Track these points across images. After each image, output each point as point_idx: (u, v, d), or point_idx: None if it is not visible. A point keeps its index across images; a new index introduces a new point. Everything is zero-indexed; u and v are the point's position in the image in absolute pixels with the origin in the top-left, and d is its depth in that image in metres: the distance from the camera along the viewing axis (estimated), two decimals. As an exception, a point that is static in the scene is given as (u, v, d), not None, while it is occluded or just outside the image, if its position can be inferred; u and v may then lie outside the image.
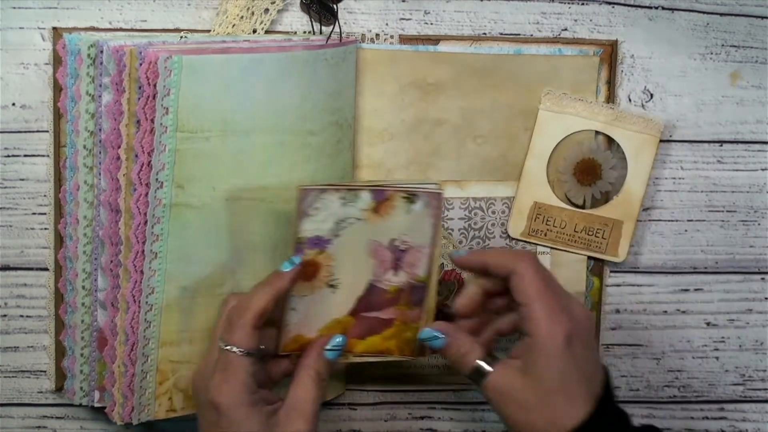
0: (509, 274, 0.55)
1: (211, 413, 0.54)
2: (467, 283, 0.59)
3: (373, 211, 0.57)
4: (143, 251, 0.57)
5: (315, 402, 0.55)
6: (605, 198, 0.66)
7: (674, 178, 0.68)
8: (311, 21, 0.64)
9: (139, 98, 0.56)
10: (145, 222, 0.57)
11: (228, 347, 0.54)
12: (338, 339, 0.57)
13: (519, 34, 0.66)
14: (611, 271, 0.68)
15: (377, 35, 0.65)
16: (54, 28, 0.62)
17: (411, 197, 0.57)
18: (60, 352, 0.64)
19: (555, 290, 0.54)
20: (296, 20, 0.64)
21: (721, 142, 0.68)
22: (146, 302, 0.58)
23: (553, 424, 0.52)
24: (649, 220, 0.68)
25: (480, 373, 0.54)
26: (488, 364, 0.54)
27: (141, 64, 0.55)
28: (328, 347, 0.57)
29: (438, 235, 0.58)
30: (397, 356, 0.60)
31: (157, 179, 0.56)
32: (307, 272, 0.57)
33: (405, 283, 0.59)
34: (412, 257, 0.58)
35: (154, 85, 0.55)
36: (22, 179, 0.64)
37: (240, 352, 0.54)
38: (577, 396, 0.52)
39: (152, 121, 0.55)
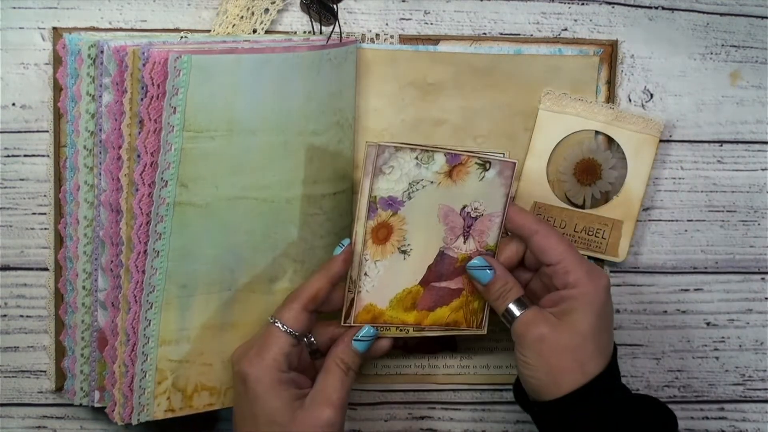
0: (531, 234, 0.56)
1: (239, 384, 0.56)
2: (510, 239, 0.59)
3: (447, 175, 0.56)
4: (145, 251, 0.57)
5: (342, 391, 0.56)
6: (605, 198, 0.66)
7: (674, 178, 0.68)
8: (311, 21, 0.64)
9: (142, 98, 0.56)
10: (148, 222, 0.57)
11: (272, 320, 0.56)
12: (368, 330, 0.58)
13: (519, 34, 0.66)
14: (611, 271, 0.68)
15: (377, 35, 0.65)
16: (54, 28, 0.62)
17: (485, 164, 0.56)
18: (60, 352, 0.64)
19: (576, 249, 0.57)
20: (296, 20, 0.64)
21: (721, 142, 0.68)
22: (147, 300, 0.58)
23: (580, 368, 0.54)
24: (649, 220, 0.68)
25: (510, 314, 0.56)
26: (521, 307, 0.57)
27: (144, 65, 0.55)
28: (357, 337, 0.58)
29: (507, 205, 0.58)
30: (464, 329, 0.60)
31: (162, 178, 0.56)
32: (380, 235, 0.57)
33: (474, 251, 0.59)
34: (483, 225, 0.58)
35: (158, 85, 0.55)
36: (22, 179, 0.64)
37: (283, 328, 0.56)
38: (603, 346, 0.56)
39: (156, 121, 0.55)
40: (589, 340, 0.55)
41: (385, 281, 0.58)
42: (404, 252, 0.57)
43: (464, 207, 0.57)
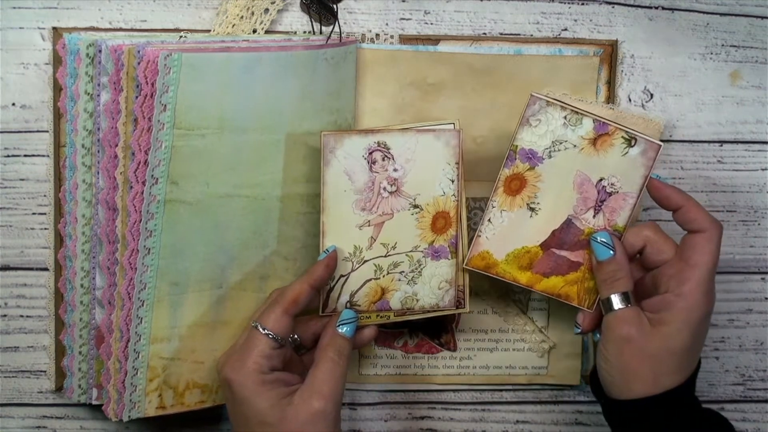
0: (698, 230, 0.56)
1: (225, 389, 0.57)
2: (633, 229, 0.58)
3: (591, 142, 0.55)
4: (138, 248, 0.58)
5: (332, 381, 0.56)
6: (605, 198, 0.66)
7: (674, 178, 0.68)
8: (311, 21, 0.64)
9: (136, 97, 0.56)
10: (141, 219, 0.57)
11: (254, 324, 0.56)
12: (348, 314, 0.58)
13: (519, 34, 0.66)
14: (611, 271, 0.68)
15: (377, 35, 0.65)
16: (54, 28, 0.62)
17: (631, 140, 0.56)
18: (60, 352, 0.64)
19: (715, 268, 0.56)
20: (296, 20, 0.64)
21: (721, 142, 0.68)
22: (138, 298, 0.58)
23: (654, 380, 0.55)
24: (649, 220, 0.68)
25: (610, 304, 0.56)
26: (624, 301, 0.56)
27: (139, 63, 0.55)
28: (339, 322, 0.58)
29: (642, 189, 0.57)
30: (575, 304, 0.59)
31: (152, 176, 0.57)
32: (512, 186, 0.56)
33: (601, 227, 0.58)
34: (616, 202, 0.57)
35: (152, 84, 0.55)
36: (22, 179, 0.64)
37: (264, 332, 0.56)
38: (686, 365, 0.56)
39: (149, 119, 0.56)
40: (674, 356, 0.55)
41: (507, 233, 0.57)
42: (532, 209, 0.57)
43: (601, 179, 0.56)
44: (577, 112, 0.55)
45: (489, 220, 0.57)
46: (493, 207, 0.56)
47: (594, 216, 0.58)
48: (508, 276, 0.59)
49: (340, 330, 0.58)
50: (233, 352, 0.57)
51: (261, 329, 0.56)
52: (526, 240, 0.58)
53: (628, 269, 0.57)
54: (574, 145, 0.55)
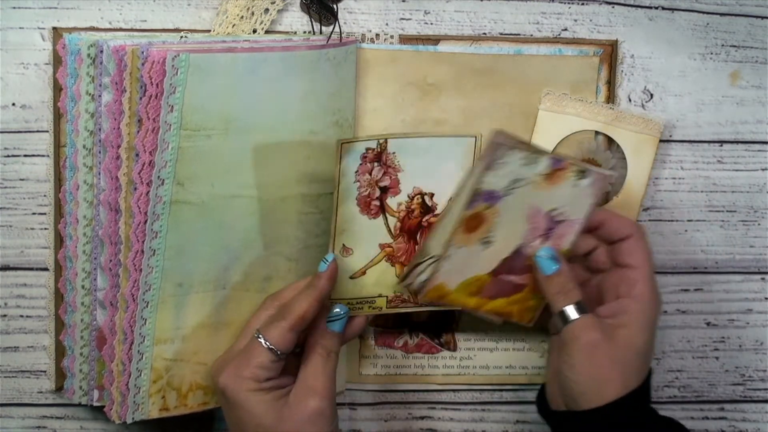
0: (624, 236, 0.58)
1: (219, 395, 0.56)
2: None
3: (546, 177, 0.57)
4: (142, 250, 0.58)
5: (324, 376, 0.56)
6: (605, 198, 0.66)
7: (674, 178, 0.68)
8: (311, 21, 0.64)
9: (141, 97, 0.56)
10: (146, 221, 0.57)
11: (257, 335, 0.55)
12: (337, 309, 0.58)
13: (519, 34, 0.66)
14: (611, 271, 0.68)
15: (377, 35, 0.65)
16: (54, 28, 0.62)
17: (583, 172, 0.57)
18: (60, 352, 0.64)
19: (653, 266, 0.58)
20: (296, 20, 0.64)
21: (721, 142, 0.68)
22: (143, 299, 0.58)
23: (624, 381, 0.55)
24: (649, 220, 0.68)
25: (566, 316, 0.56)
26: (580, 311, 0.57)
27: (143, 64, 0.55)
28: (329, 318, 0.57)
29: (589, 215, 0.59)
30: (515, 320, 0.61)
31: (159, 177, 0.56)
32: (471, 225, 0.57)
33: None
34: (564, 230, 0.58)
35: (158, 85, 0.55)
36: (22, 179, 0.64)
37: (267, 345, 0.55)
38: (646, 364, 0.57)
39: (154, 120, 0.56)
40: (639, 356, 0.56)
41: (461, 266, 0.58)
42: (486, 243, 0.58)
43: (552, 210, 0.58)
44: (535, 152, 0.56)
45: (447, 257, 0.58)
46: (452, 245, 0.57)
47: (542, 243, 0.59)
48: (457, 302, 0.60)
49: (330, 327, 0.57)
50: (230, 358, 0.56)
51: (264, 342, 0.55)
52: (478, 270, 0.59)
53: (575, 280, 0.58)
54: (530, 182, 0.57)
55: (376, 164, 0.58)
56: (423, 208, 0.59)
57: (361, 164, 0.58)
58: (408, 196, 0.59)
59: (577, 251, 0.60)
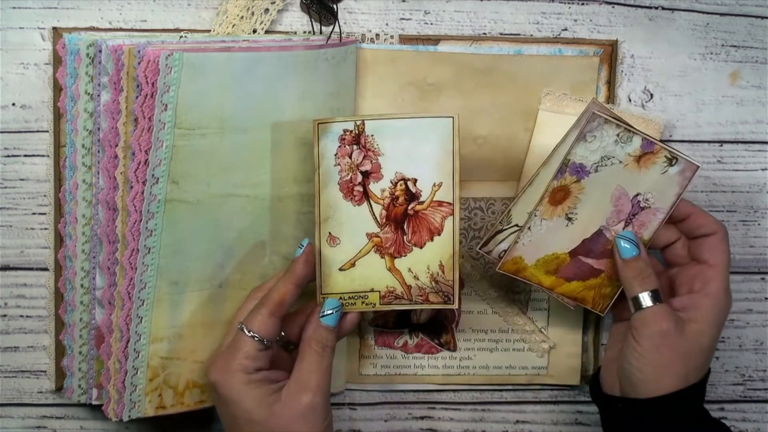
0: (709, 233, 0.58)
1: (212, 391, 0.57)
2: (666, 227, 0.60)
3: (635, 159, 0.57)
4: (138, 248, 0.58)
5: (318, 373, 0.56)
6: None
7: (674, 178, 0.68)
8: (311, 21, 0.64)
9: (137, 96, 0.56)
10: (141, 219, 0.57)
11: (240, 326, 0.56)
12: (331, 304, 0.58)
13: (519, 34, 0.66)
14: (611, 271, 0.68)
15: (377, 35, 0.65)
16: (54, 28, 0.62)
17: (672, 159, 0.57)
18: (60, 351, 0.64)
19: (729, 267, 0.59)
20: (296, 20, 0.64)
21: (721, 142, 0.68)
22: (138, 297, 0.58)
23: (686, 375, 0.56)
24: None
25: (639, 302, 0.57)
26: (655, 299, 0.57)
27: (139, 63, 0.55)
28: (323, 313, 0.57)
29: (674, 205, 0.59)
30: (589, 307, 0.61)
31: (153, 175, 0.57)
32: (557, 197, 0.58)
33: None
34: (646, 217, 0.59)
35: (153, 84, 0.55)
36: (22, 179, 0.64)
37: (250, 334, 0.55)
38: (706, 363, 0.58)
39: (150, 118, 0.56)
40: (703, 352, 0.57)
41: (542, 240, 0.59)
42: (569, 219, 0.59)
43: (637, 194, 0.58)
44: (629, 130, 0.57)
45: (529, 228, 0.59)
46: (536, 216, 0.58)
47: (624, 228, 0.59)
48: (533, 279, 0.61)
49: (323, 321, 0.57)
50: (219, 353, 0.57)
51: (246, 331, 0.55)
52: (558, 247, 0.60)
53: (653, 269, 0.58)
54: (620, 161, 0.57)
55: (355, 147, 0.58)
56: (407, 194, 0.59)
57: (339, 146, 0.58)
58: (391, 182, 0.59)
59: (657, 243, 0.60)
